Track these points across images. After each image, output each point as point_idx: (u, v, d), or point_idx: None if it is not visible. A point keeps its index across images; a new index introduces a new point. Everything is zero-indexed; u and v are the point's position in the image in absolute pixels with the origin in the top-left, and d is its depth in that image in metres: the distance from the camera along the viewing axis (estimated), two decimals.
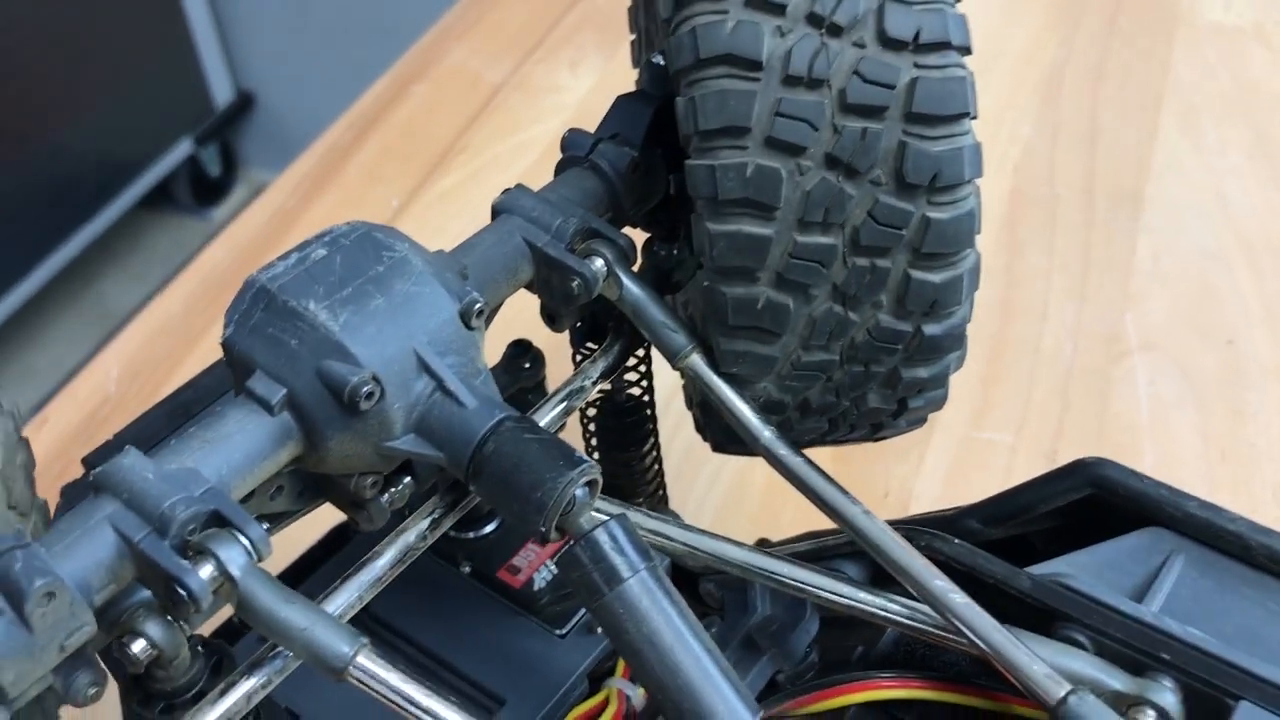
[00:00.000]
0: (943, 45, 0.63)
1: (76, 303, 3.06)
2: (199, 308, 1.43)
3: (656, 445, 0.85)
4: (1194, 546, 0.68)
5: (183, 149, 3.16)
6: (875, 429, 0.75)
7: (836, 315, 0.67)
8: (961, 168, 0.64)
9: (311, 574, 0.81)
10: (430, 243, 1.51)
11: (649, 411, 0.83)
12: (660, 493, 0.87)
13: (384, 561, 0.61)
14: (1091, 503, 0.71)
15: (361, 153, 1.66)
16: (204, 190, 3.31)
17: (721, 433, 0.78)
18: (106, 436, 0.68)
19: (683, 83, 0.64)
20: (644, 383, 0.81)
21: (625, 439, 0.83)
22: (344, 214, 1.54)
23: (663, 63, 0.73)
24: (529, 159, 1.63)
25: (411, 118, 1.72)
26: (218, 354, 0.62)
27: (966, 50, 0.64)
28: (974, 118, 0.65)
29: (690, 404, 0.86)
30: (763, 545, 0.86)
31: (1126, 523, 0.70)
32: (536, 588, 0.78)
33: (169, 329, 1.41)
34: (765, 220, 0.64)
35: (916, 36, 0.63)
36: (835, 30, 0.62)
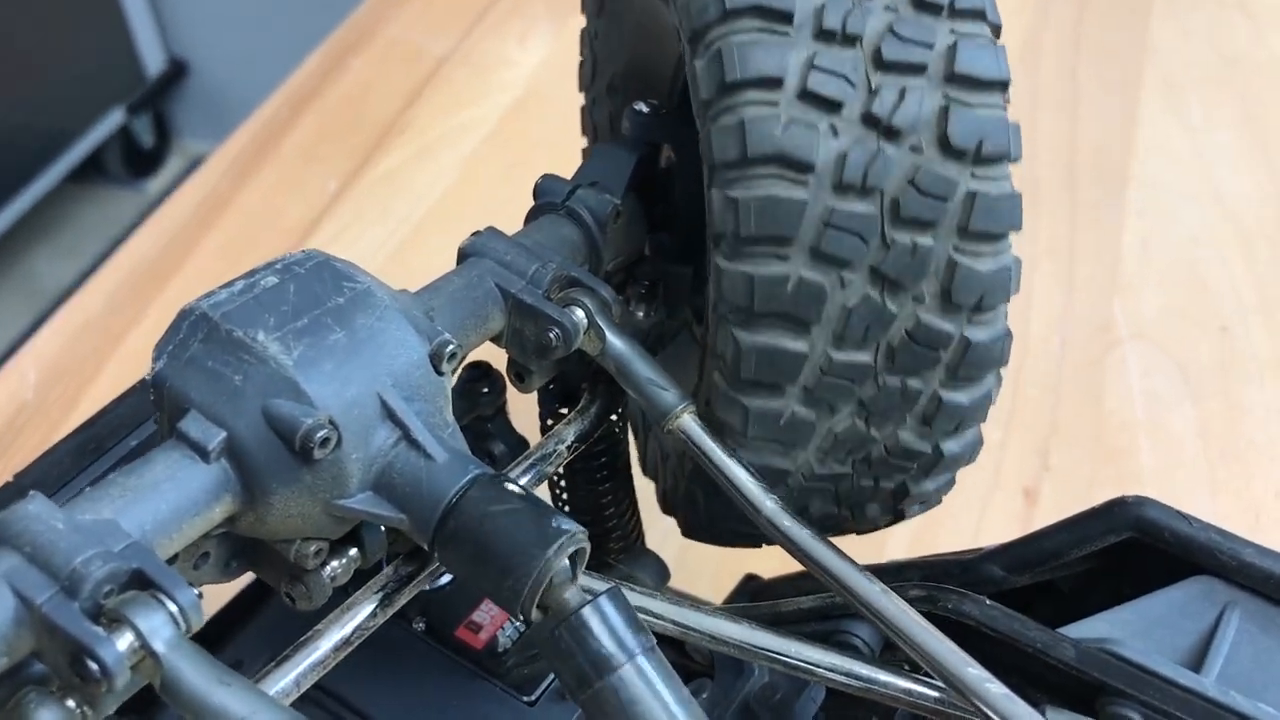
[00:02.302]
0: (1002, 158, 0.57)
1: (6, 280, 2.95)
2: (123, 303, 1.34)
3: (631, 483, 0.76)
4: (1250, 599, 0.61)
5: (114, 119, 3.04)
6: (860, 533, 0.70)
7: (859, 433, 0.62)
8: (1007, 286, 0.59)
9: (232, 639, 0.71)
10: (370, 229, 1.43)
11: (623, 445, 0.74)
12: (636, 532, 0.78)
13: (328, 645, 0.52)
14: (1128, 544, 0.63)
15: (297, 131, 1.57)
16: (137, 161, 3.19)
17: (708, 509, 0.70)
18: (27, 446, 0.61)
19: (722, 177, 0.57)
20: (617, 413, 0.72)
21: (597, 476, 0.74)
22: (280, 198, 1.47)
23: (646, 110, 0.69)
24: (475, 138, 1.52)
25: (349, 93, 1.63)
26: (144, 356, 0.54)
27: (1018, 159, 0.58)
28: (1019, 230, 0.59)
29: (659, 478, 0.78)
30: (751, 587, 0.78)
31: (1167, 567, 0.63)
32: (500, 648, 0.70)
33: (91, 327, 1.32)
34: (801, 335, 0.58)
35: (979, 147, 0.56)
36: (892, 134, 0.56)
